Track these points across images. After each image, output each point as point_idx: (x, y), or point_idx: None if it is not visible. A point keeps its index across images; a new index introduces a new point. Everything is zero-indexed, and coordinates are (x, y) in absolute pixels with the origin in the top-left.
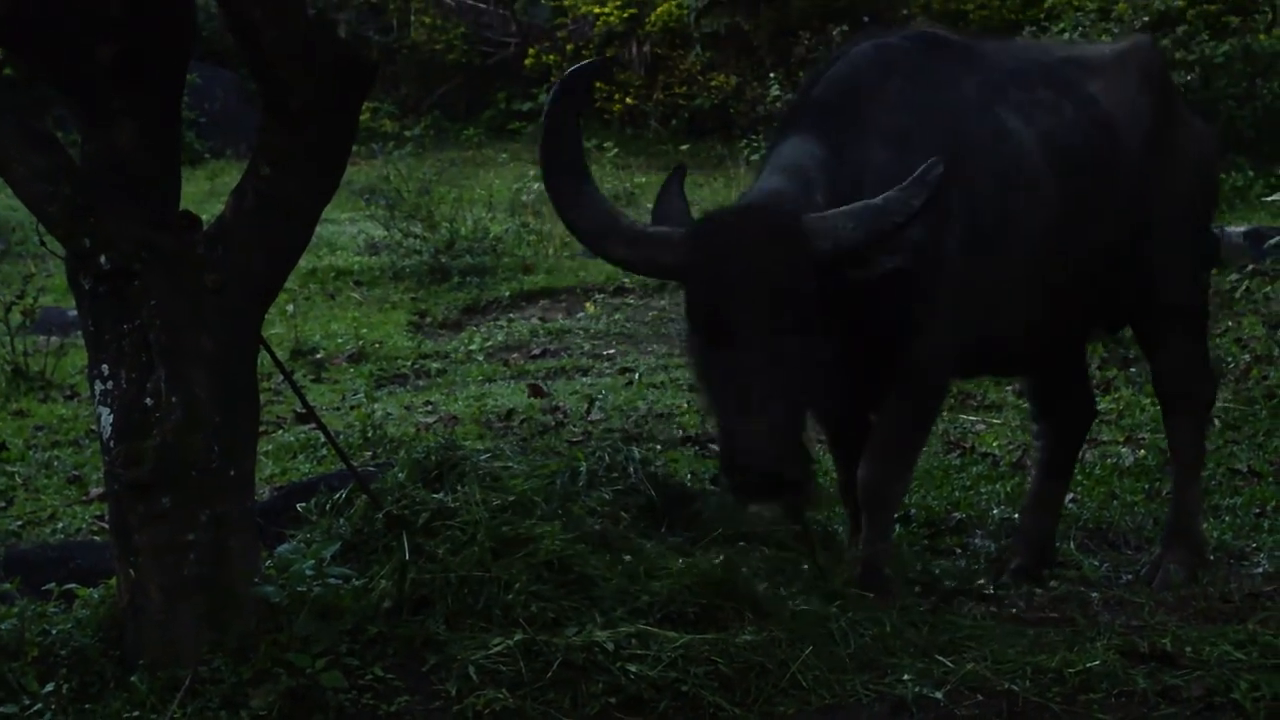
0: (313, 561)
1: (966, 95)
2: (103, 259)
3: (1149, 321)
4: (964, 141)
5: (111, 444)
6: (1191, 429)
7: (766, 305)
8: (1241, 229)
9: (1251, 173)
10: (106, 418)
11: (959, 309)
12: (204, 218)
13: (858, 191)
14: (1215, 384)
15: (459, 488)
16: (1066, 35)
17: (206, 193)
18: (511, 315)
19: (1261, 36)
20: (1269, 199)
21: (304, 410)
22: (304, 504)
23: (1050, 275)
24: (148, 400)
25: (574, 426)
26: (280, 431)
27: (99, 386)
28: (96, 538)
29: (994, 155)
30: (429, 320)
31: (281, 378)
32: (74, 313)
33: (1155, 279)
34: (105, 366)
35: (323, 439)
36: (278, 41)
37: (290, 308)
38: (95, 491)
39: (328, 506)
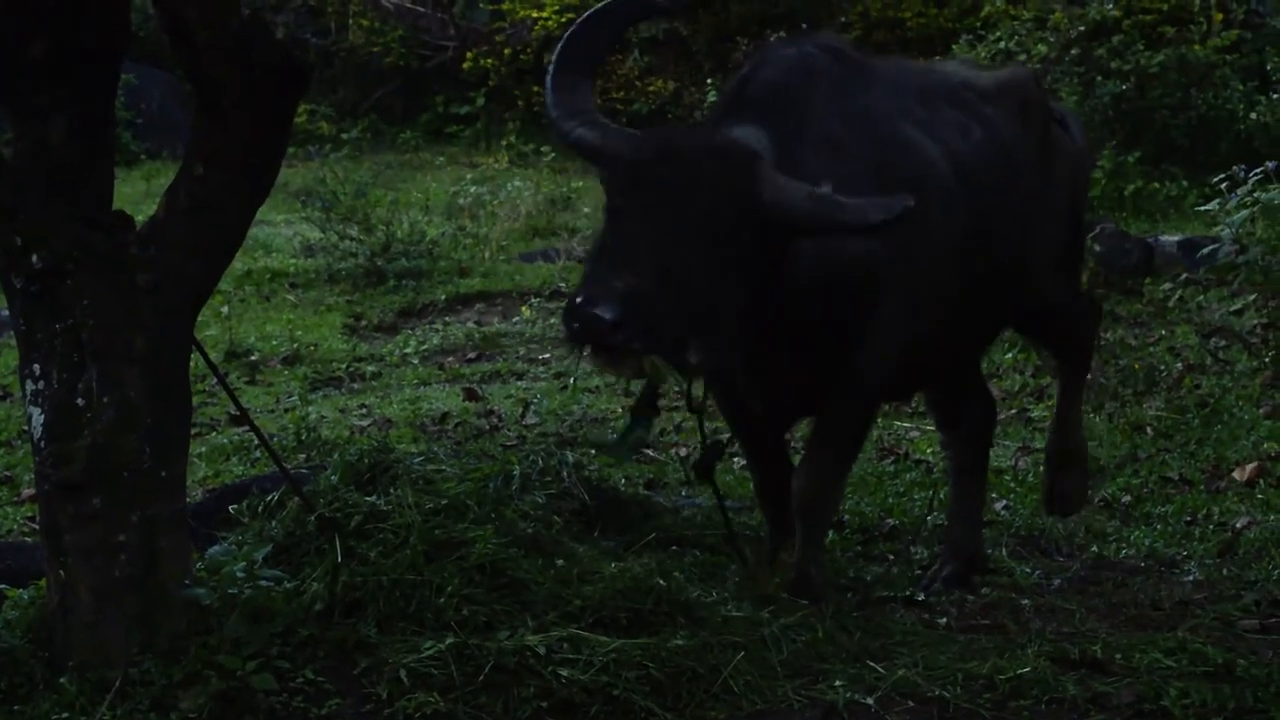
0: (244, 563)
1: (879, 108)
2: (35, 258)
3: (1036, 326)
4: (884, 152)
5: (42, 444)
6: (1082, 350)
7: (683, 195)
8: (1175, 238)
9: (1185, 182)
10: (38, 418)
11: (895, 321)
12: (139, 218)
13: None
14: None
15: (392, 491)
16: (1003, 44)
17: (142, 193)
18: (447, 319)
19: (1196, 47)
20: (1203, 208)
21: (237, 412)
22: (236, 506)
23: (958, 288)
24: (79, 400)
25: (508, 430)
26: (214, 433)
27: (30, 386)
28: (27, 538)
29: (909, 166)
30: (364, 323)
31: (215, 379)
32: (6, 312)
33: (1041, 288)
34: (37, 366)
35: (256, 441)
36: (212, 42)
37: (225, 309)
38: (27, 492)
39: (260, 509)
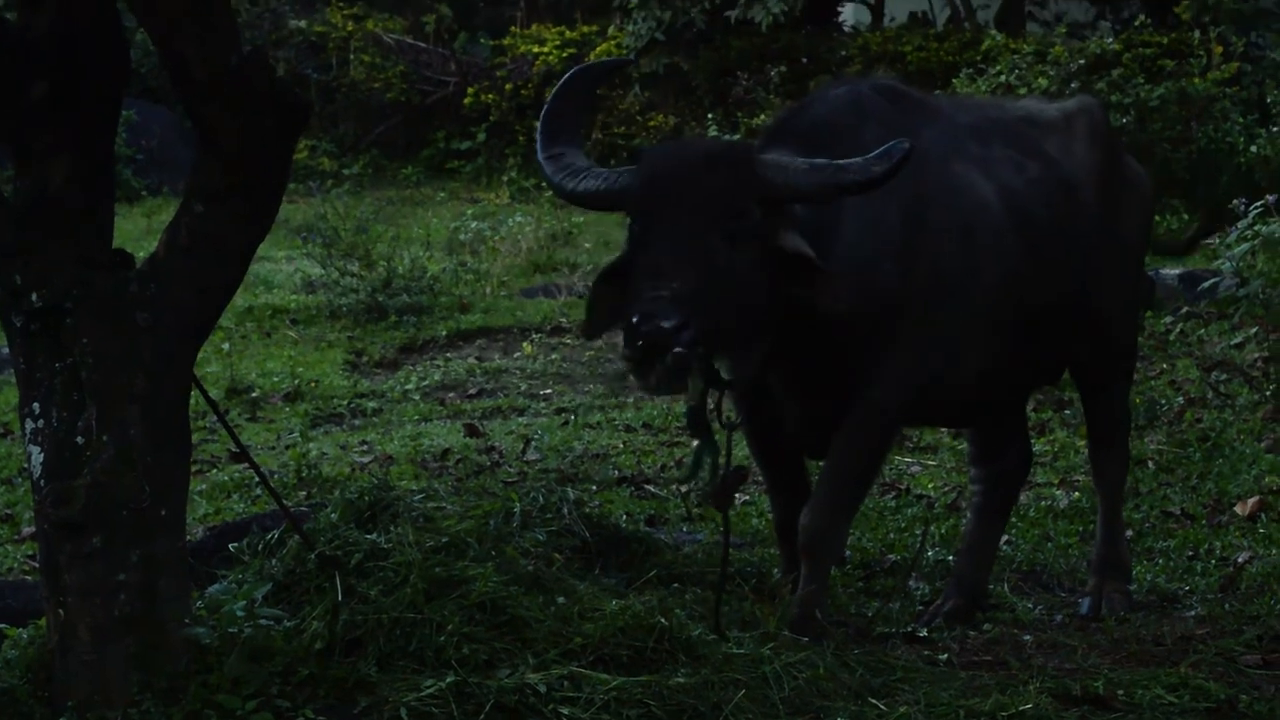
0: (244, 602)
1: (929, 147)
2: (34, 296)
3: (1094, 367)
4: (928, 190)
5: (42, 483)
6: (1120, 463)
7: (698, 200)
8: (1176, 272)
9: (1186, 216)
10: (37, 456)
11: (916, 357)
12: (141, 255)
13: (832, 221)
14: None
15: (392, 528)
16: (1003, 78)
17: (144, 230)
18: (448, 355)
19: (1196, 80)
20: (1204, 242)
21: (238, 450)
22: (236, 544)
23: (1007, 327)
24: (79, 439)
25: (510, 467)
26: (214, 471)
27: (30, 425)
28: (27, 577)
29: (956, 206)
30: (365, 359)
31: (216, 416)
32: (6, 350)
33: (1103, 328)
34: (37, 404)
35: (256, 478)
36: (210, 78)
37: (226, 346)
38: (27, 530)
39: (260, 547)
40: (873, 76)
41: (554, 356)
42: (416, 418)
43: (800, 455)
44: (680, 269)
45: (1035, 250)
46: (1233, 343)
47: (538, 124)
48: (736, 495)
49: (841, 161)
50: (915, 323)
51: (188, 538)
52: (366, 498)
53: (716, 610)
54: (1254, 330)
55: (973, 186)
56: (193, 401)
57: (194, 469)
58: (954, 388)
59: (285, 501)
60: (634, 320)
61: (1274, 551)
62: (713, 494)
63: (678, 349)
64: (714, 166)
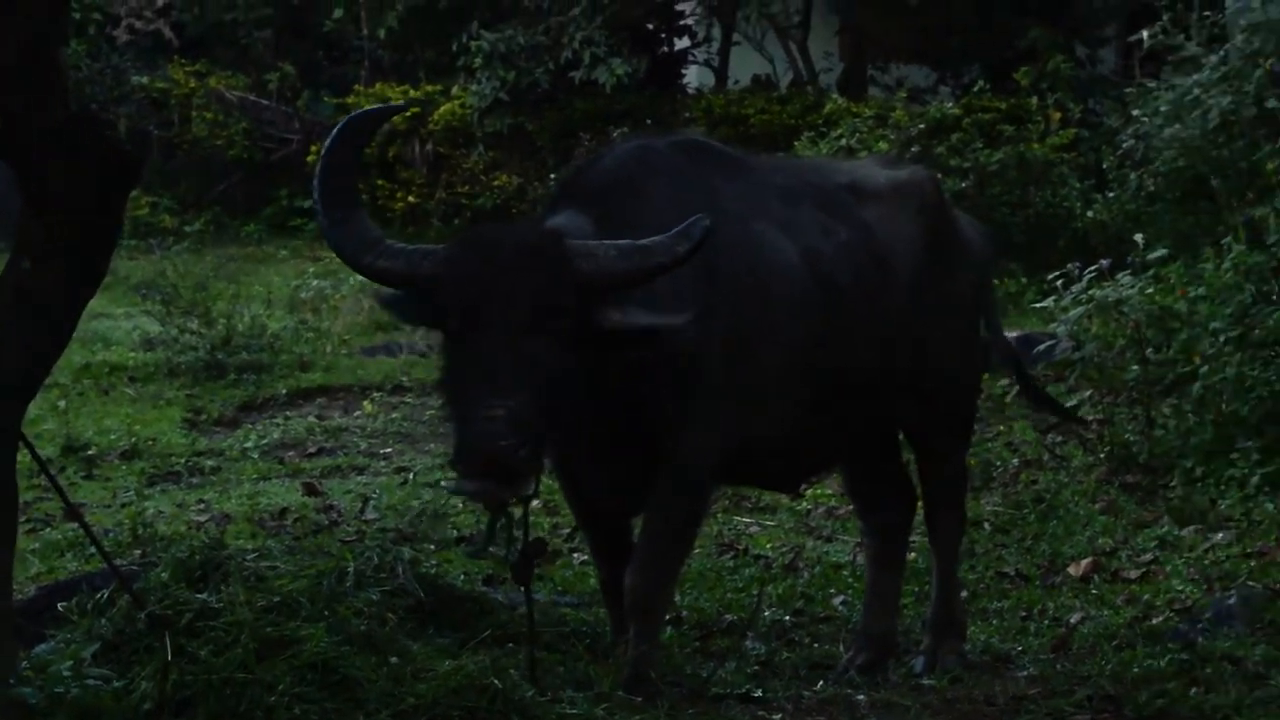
0: (71, 662)
1: (727, 204)
2: None
3: (926, 431)
4: (723, 247)
5: None
6: (956, 524)
7: (519, 304)
8: (1013, 334)
9: (1024, 279)
10: None
11: (719, 410)
12: None
13: None
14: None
15: (223, 588)
16: (844, 141)
17: None
18: (288, 413)
19: (1034, 145)
20: (1040, 305)
21: (67, 508)
22: (65, 603)
23: (812, 387)
24: None
25: (348, 526)
26: (48, 529)
27: None
28: None
29: (752, 264)
30: (204, 417)
31: (45, 475)
32: None
33: (932, 394)
34: None
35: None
36: (39, 133)
37: (62, 403)
38: None
39: (89, 606)
40: (678, 132)
41: (394, 415)
42: (255, 476)
43: (622, 516)
44: (510, 384)
45: (839, 314)
46: (1068, 405)
47: (314, 181)
48: (569, 554)
49: (646, 243)
50: (713, 380)
51: (18, 596)
52: (198, 556)
53: (531, 667)
54: (1089, 393)
55: (772, 246)
56: (27, 458)
57: (28, 527)
58: (761, 448)
59: (118, 560)
60: (470, 440)
61: (1106, 612)
62: (512, 567)
63: (516, 465)
64: (528, 265)
